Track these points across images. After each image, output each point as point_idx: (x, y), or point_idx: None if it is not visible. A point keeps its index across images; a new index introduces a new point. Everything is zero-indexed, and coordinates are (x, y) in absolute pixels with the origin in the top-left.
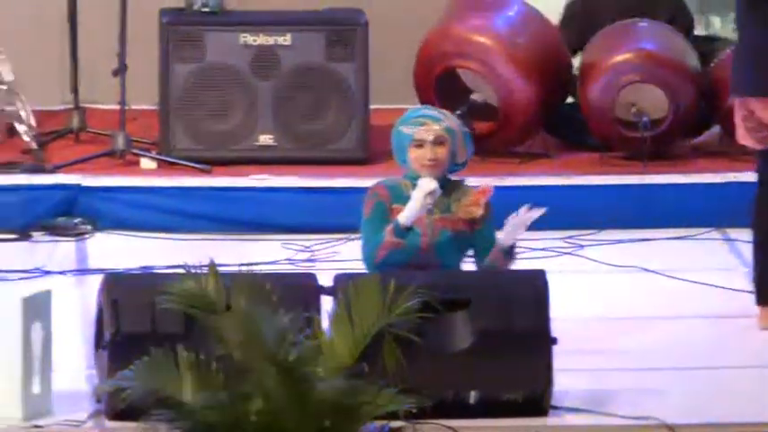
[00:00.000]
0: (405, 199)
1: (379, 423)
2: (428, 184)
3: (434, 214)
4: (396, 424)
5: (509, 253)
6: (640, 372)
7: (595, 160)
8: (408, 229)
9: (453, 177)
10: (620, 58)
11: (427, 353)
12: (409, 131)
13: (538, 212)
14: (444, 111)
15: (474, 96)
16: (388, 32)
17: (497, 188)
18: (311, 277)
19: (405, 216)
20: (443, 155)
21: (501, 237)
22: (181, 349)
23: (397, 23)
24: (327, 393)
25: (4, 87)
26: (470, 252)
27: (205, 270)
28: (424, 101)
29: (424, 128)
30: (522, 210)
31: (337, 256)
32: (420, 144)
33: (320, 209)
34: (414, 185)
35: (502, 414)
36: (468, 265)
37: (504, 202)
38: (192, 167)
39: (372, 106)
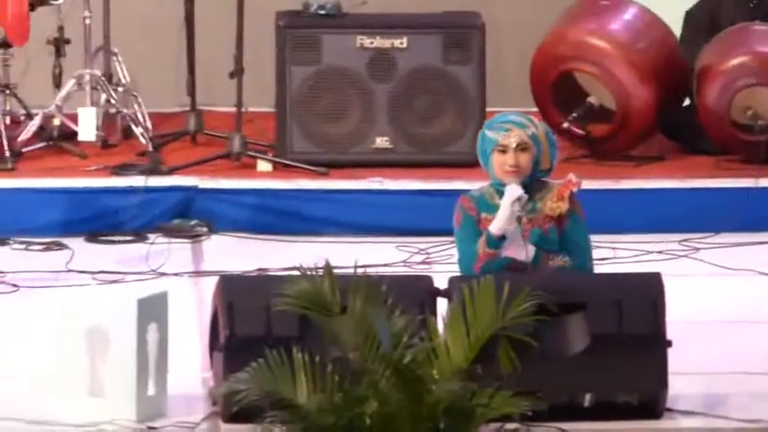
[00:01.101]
0: (491, 207)
1: (493, 425)
2: (514, 191)
3: (525, 216)
4: (510, 426)
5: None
6: (754, 375)
7: (711, 164)
8: (501, 238)
9: (546, 178)
10: (735, 61)
11: (542, 355)
12: (493, 136)
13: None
14: (531, 117)
15: (590, 99)
16: (505, 35)
17: (612, 191)
18: (426, 280)
19: (495, 226)
20: (526, 161)
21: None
22: (296, 351)
23: (514, 26)
24: (442, 396)
25: (121, 89)
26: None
27: (321, 272)
28: (540, 104)
29: (509, 134)
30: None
31: (452, 259)
32: (503, 149)
33: (436, 212)
34: (498, 192)
35: (616, 417)
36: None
37: (620, 205)
38: (309, 170)
39: (488, 109)
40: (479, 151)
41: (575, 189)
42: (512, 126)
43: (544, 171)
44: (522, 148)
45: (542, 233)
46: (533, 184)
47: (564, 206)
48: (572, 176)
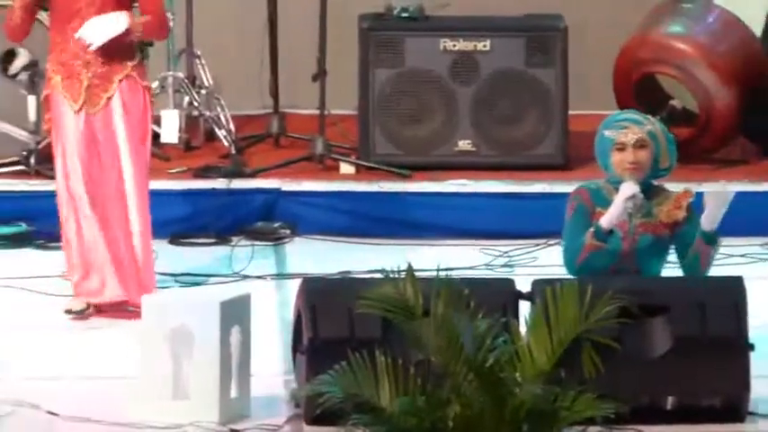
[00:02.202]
0: (607, 202)
1: (576, 429)
2: (630, 188)
3: (636, 219)
4: (593, 429)
5: (712, 239)
6: None
7: None
8: (609, 232)
9: (655, 183)
10: None
11: (625, 358)
12: (611, 135)
13: (731, 189)
14: (648, 116)
15: (673, 102)
16: (587, 37)
17: (695, 194)
18: (509, 283)
19: (606, 219)
20: (645, 159)
21: (703, 221)
22: (379, 354)
23: (596, 28)
24: (525, 399)
25: (204, 92)
26: (671, 256)
27: (403, 275)
28: (623, 106)
29: (626, 131)
30: (718, 187)
31: (535, 262)
32: (622, 147)
33: (519, 214)
34: (616, 189)
35: (698, 420)
36: (668, 270)
37: (702, 208)
38: (392, 172)
39: (571, 112)
40: (597, 151)
41: (691, 199)
42: (629, 124)
43: (664, 169)
44: (640, 145)
45: (654, 239)
46: (651, 188)
47: (681, 214)
48: (691, 189)
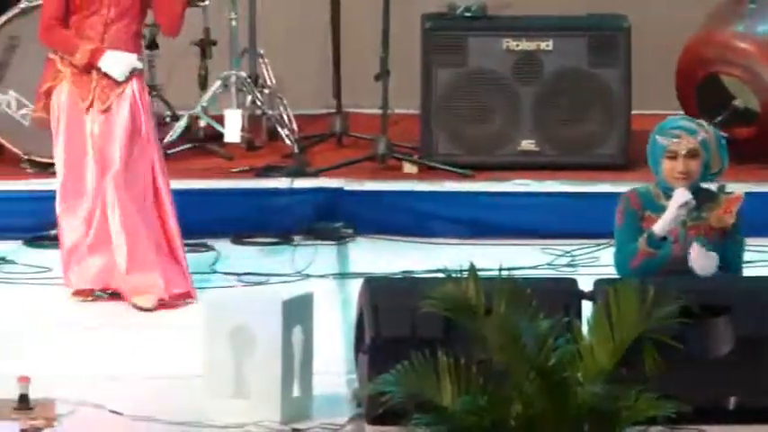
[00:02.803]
0: (656, 206)
1: (637, 428)
2: (683, 195)
3: (689, 222)
4: (655, 429)
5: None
6: None
7: None
8: (662, 239)
9: (705, 186)
10: None
11: (687, 358)
12: (664, 142)
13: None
14: (702, 122)
15: (736, 102)
16: (650, 37)
17: (754, 194)
18: (571, 282)
19: (659, 227)
20: (695, 168)
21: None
22: (440, 353)
23: (659, 28)
24: (587, 398)
25: (267, 91)
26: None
27: (466, 274)
28: (685, 106)
29: (679, 141)
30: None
31: (597, 262)
32: (673, 156)
33: (581, 214)
34: (665, 195)
35: (761, 420)
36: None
37: (762, 208)
38: (454, 172)
39: (633, 112)
40: (649, 154)
41: (741, 204)
42: (682, 132)
43: (714, 173)
44: (691, 154)
45: (708, 242)
46: (702, 193)
47: (730, 219)
48: (740, 193)
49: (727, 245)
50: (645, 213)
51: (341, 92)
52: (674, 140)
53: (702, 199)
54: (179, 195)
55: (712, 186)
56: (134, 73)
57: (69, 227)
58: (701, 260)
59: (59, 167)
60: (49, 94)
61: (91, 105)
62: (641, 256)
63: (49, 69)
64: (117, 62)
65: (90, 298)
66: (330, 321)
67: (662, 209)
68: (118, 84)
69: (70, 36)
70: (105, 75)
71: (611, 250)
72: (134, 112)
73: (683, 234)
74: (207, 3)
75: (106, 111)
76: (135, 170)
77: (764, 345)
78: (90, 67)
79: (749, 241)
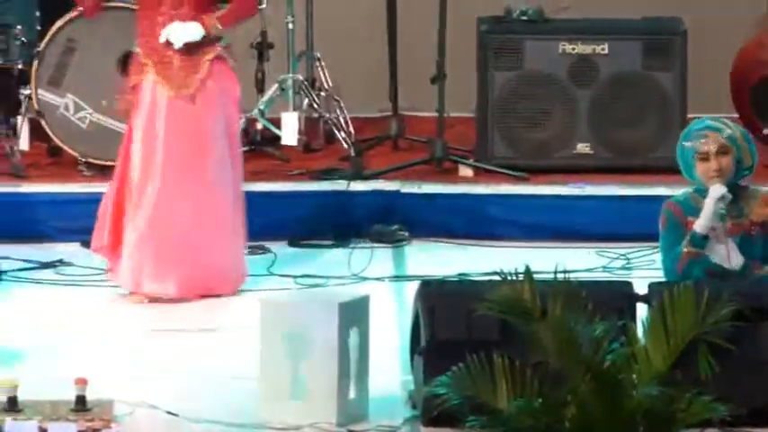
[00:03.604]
0: (696, 211)
1: (692, 430)
2: (718, 189)
3: (727, 221)
4: (709, 430)
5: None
6: None
7: None
8: (705, 237)
9: (742, 183)
10: None
11: (741, 360)
12: (692, 145)
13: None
14: (725, 119)
15: None
16: (705, 40)
17: None
18: (626, 285)
19: (700, 224)
20: (728, 164)
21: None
22: (496, 356)
23: (714, 30)
24: (641, 400)
25: (324, 94)
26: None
27: (521, 277)
28: (740, 109)
29: (707, 140)
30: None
31: (652, 265)
32: (705, 157)
33: (637, 217)
34: (703, 197)
35: None
36: None
37: None
38: (510, 175)
39: (689, 115)
40: (680, 162)
41: None
42: (708, 132)
43: (747, 168)
44: (722, 151)
45: (748, 238)
46: (737, 189)
47: None
48: None
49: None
50: (686, 219)
51: (397, 95)
52: (702, 141)
53: (740, 196)
54: None
55: (749, 183)
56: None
57: (134, 227)
58: (735, 258)
59: (136, 163)
60: (135, 88)
61: (176, 93)
62: (686, 257)
63: (134, 64)
64: (180, 31)
65: (147, 300)
66: (386, 324)
67: (701, 212)
68: (197, 67)
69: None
70: (186, 61)
71: (660, 258)
72: (218, 92)
73: (725, 229)
74: (264, 6)
75: (191, 94)
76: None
77: None
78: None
79: None
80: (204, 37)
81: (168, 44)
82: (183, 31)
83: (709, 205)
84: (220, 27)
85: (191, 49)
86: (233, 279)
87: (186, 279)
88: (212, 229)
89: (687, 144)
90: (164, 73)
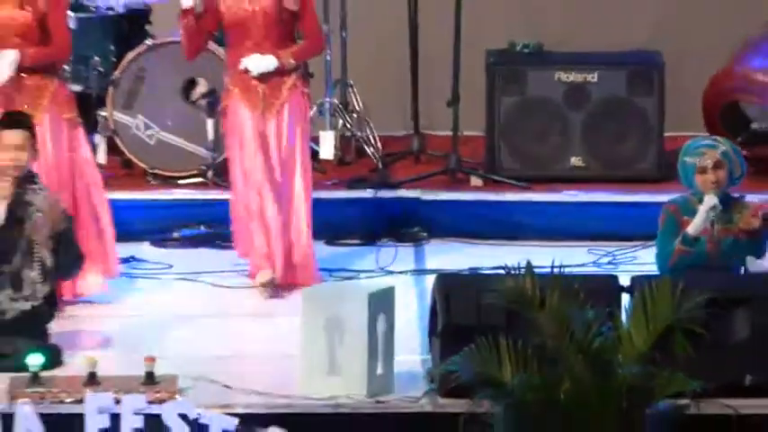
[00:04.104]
0: (693, 212)
1: (668, 401)
2: (711, 200)
3: (718, 225)
4: (682, 402)
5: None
6: None
7: None
8: (696, 239)
9: (735, 195)
10: None
11: (710, 343)
12: (692, 161)
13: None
14: (717, 138)
15: (754, 125)
16: (683, 68)
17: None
18: (613, 278)
19: (692, 227)
20: (723, 176)
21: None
22: (502, 339)
23: (690, 61)
24: (625, 376)
25: (355, 115)
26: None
27: (523, 271)
28: (710, 128)
29: (705, 156)
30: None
31: (635, 261)
32: (703, 170)
33: (621, 220)
34: (700, 202)
35: None
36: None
37: None
38: (514, 185)
39: (666, 134)
40: (681, 175)
41: (766, 210)
42: (705, 149)
43: (738, 177)
44: (717, 165)
45: (734, 241)
46: (730, 200)
47: (756, 222)
48: (766, 201)
49: (754, 244)
50: (683, 218)
51: (418, 116)
52: (701, 157)
53: (732, 205)
54: None
55: (740, 195)
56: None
57: (257, 230)
58: (709, 209)
59: (237, 175)
60: (224, 113)
61: (260, 114)
62: (677, 253)
63: (224, 91)
64: (264, 63)
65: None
66: (408, 311)
67: (695, 216)
68: (278, 94)
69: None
70: (269, 89)
71: (648, 251)
72: (291, 117)
73: (715, 234)
74: None
75: (272, 118)
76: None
77: None
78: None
79: None
80: (278, 68)
81: (246, 72)
82: (261, 62)
83: (701, 212)
84: (293, 61)
85: (269, 77)
86: (316, 270)
87: (285, 270)
88: (301, 226)
89: (688, 160)
90: (249, 98)
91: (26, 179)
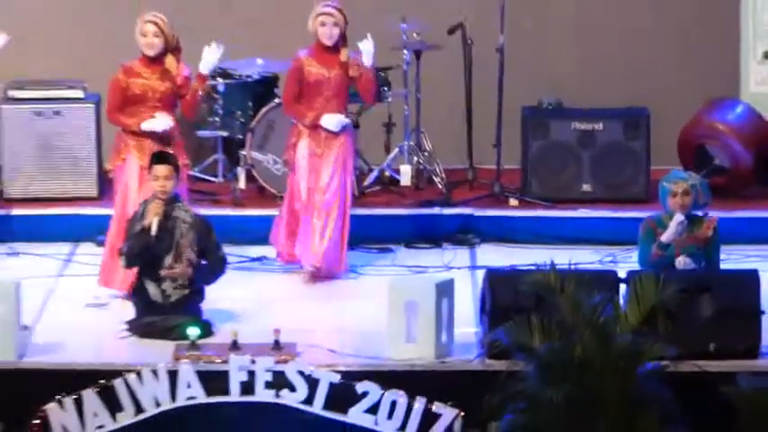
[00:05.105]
0: (665, 225)
1: (653, 362)
2: (678, 218)
3: (683, 235)
4: (664, 363)
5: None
6: None
7: None
8: (667, 245)
9: (698, 213)
10: None
11: (684, 320)
12: (668, 186)
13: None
14: (690, 173)
15: (716, 162)
16: (664, 118)
17: (724, 218)
18: (613, 273)
19: (665, 237)
20: (689, 201)
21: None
22: (532, 316)
23: (668, 114)
24: (622, 344)
25: (426, 154)
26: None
27: (548, 267)
28: (684, 163)
29: (677, 185)
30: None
31: (630, 260)
32: (675, 195)
33: (620, 229)
34: (671, 217)
35: (730, 357)
36: None
37: (729, 228)
38: (542, 204)
39: (652, 167)
40: (660, 196)
41: (715, 224)
42: (678, 180)
43: (702, 204)
44: (686, 193)
45: (695, 247)
46: (694, 218)
47: (710, 233)
48: (715, 217)
49: (710, 249)
50: (658, 230)
51: (472, 154)
52: (675, 185)
53: (694, 221)
54: (373, 218)
55: (700, 213)
56: (347, 128)
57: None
58: (684, 265)
59: (303, 192)
60: (293, 146)
61: (321, 151)
62: (654, 255)
63: (293, 130)
64: (333, 120)
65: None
66: (465, 296)
67: (667, 227)
68: (336, 136)
69: (301, 108)
70: (326, 129)
71: (637, 253)
72: (343, 155)
73: (681, 242)
74: (390, 101)
75: (330, 154)
76: (333, 190)
77: (732, 311)
78: (316, 126)
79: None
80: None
81: (318, 125)
82: (337, 121)
83: (672, 226)
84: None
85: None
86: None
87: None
88: (346, 231)
89: (665, 185)
90: (316, 139)
91: (173, 200)
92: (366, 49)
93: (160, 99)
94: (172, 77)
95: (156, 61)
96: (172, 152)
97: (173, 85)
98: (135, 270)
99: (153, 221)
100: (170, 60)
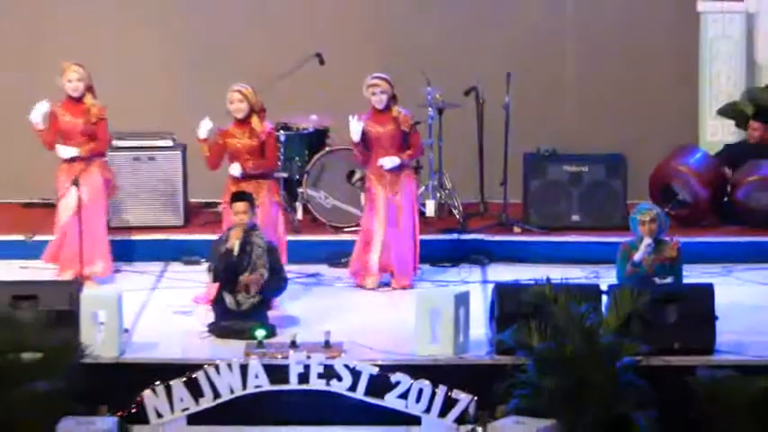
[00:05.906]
0: (637, 248)
1: (630, 358)
2: (647, 241)
3: (652, 256)
4: (638, 358)
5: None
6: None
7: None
8: (639, 263)
9: (665, 238)
10: (751, 178)
11: (654, 323)
12: (637, 216)
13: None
14: (653, 204)
15: (679, 197)
16: (637, 163)
17: (686, 242)
18: (597, 286)
19: (637, 257)
20: (655, 227)
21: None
22: (532, 321)
23: (641, 158)
24: (605, 344)
25: (446, 191)
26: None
27: (545, 282)
28: (653, 198)
29: (645, 215)
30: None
31: (610, 276)
32: (643, 223)
33: (602, 252)
34: (641, 241)
35: (691, 354)
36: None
37: (690, 250)
38: (539, 231)
39: (628, 201)
40: (631, 224)
41: (678, 246)
42: (645, 211)
43: (663, 229)
44: (652, 220)
45: (661, 266)
46: (660, 242)
47: (674, 254)
48: (678, 240)
49: (674, 267)
50: (631, 252)
51: (483, 190)
52: (643, 214)
53: (660, 244)
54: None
55: (666, 238)
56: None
57: (374, 250)
58: (645, 246)
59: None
60: (367, 189)
61: (388, 190)
62: (629, 272)
63: (366, 178)
64: (391, 162)
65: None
66: (478, 305)
67: (639, 249)
68: (396, 178)
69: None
70: (394, 175)
71: (616, 270)
72: (402, 192)
73: (650, 261)
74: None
75: (395, 194)
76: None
77: (692, 317)
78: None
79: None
80: (400, 164)
81: (381, 166)
82: (390, 161)
83: (642, 248)
84: (407, 159)
85: (394, 170)
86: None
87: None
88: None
89: (635, 215)
90: (381, 180)
91: (251, 228)
92: (385, 163)
93: (249, 152)
94: (257, 134)
95: (244, 123)
96: (248, 191)
97: (259, 141)
98: (217, 284)
99: (235, 244)
100: (255, 120)
